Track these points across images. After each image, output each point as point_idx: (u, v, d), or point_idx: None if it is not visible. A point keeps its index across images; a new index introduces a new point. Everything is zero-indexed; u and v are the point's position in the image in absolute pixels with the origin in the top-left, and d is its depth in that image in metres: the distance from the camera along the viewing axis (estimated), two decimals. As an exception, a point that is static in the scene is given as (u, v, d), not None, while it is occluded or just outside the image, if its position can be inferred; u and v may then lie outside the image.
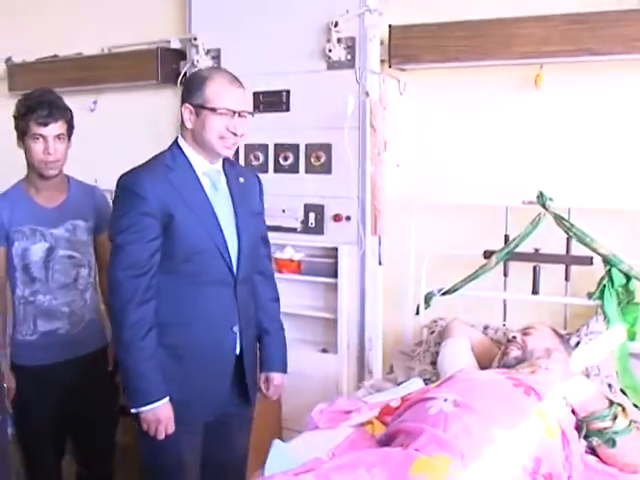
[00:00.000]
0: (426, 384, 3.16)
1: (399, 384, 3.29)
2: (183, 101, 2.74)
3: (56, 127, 3.20)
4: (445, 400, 2.44)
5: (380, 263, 3.79)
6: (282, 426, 3.98)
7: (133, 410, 2.68)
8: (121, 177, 2.70)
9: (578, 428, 2.53)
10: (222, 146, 2.72)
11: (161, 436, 2.70)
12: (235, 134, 2.70)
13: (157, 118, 4.45)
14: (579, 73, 3.48)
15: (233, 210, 2.83)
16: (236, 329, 2.82)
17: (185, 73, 4.19)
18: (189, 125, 2.73)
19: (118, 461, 3.93)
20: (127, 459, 4.10)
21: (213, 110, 2.66)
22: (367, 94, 3.66)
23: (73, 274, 3.36)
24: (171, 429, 2.70)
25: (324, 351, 3.96)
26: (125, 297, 2.63)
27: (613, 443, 2.49)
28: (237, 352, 2.85)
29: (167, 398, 2.67)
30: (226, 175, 2.87)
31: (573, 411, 2.56)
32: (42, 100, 3.20)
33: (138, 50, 4.42)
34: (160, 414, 2.67)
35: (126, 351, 2.65)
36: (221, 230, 2.75)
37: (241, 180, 2.92)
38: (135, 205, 2.63)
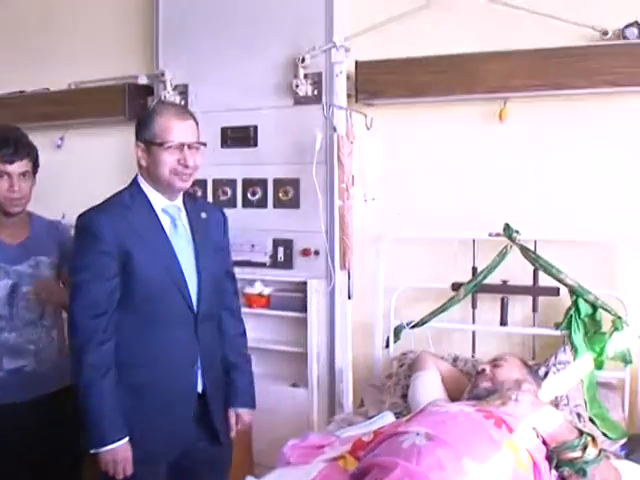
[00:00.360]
0: (397, 417, 3.15)
1: (370, 418, 3.27)
2: (136, 140, 2.77)
3: (22, 165, 3.20)
4: (418, 434, 2.44)
5: (349, 297, 3.80)
6: (254, 462, 3.94)
7: (92, 451, 2.66)
8: (79, 217, 2.72)
9: (549, 458, 2.53)
10: (177, 180, 2.73)
11: (119, 477, 2.68)
12: (187, 166, 2.71)
13: (125, 154, 4.39)
14: (543, 107, 3.56)
15: (193, 247, 2.83)
16: (197, 367, 2.82)
17: (153, 109, 4.19)
18: (143, 163, 2.76)
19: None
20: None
21: (161, 145, 2.68)
22: (335, 129, 3.68)
23: (39, 311, 3.34)
24: (129, 470, 2.68)
25: (294, 385, 3.93)
26: (84, 337, 2.64)
27: (584, 473, 2.50)
28: (199, 390, 2.84)
29: (126, 439, 2.66)
30: (187, 211, 2.87)
31: (544, 442, 2.56)
32: (8, 137, 3.19)
33: (106, 86, 4.41)
34: (117, 455, 2.65)
35: (85, 391, 2.64)
36: (180, 268, 2.76)
37: (203, 215, 2.92)
38: (92, 244, 2.64)
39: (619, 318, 3.30)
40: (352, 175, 3.69)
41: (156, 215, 2.77)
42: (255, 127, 3.95)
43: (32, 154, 3.27)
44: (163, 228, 2.77)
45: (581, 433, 2.58)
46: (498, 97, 3.53)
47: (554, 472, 2.54)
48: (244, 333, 3.13)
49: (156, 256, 2.71)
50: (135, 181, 2.82)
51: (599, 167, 3.48)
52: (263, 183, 3.96)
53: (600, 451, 2.55)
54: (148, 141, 2.71)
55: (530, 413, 2.63)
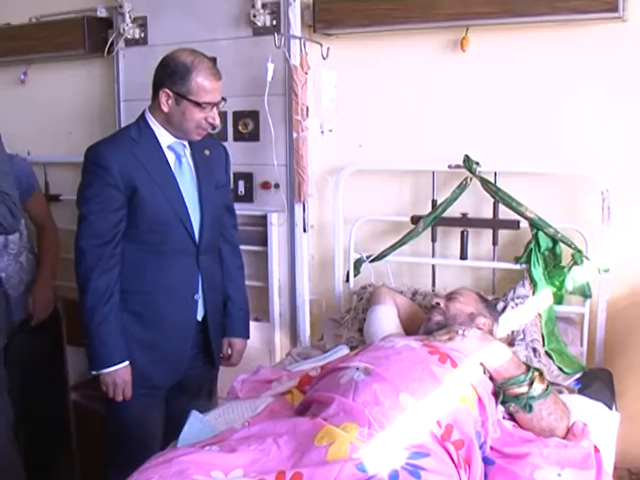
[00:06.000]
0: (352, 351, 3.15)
1: (326, 352, 3.28)
2: (161, 84, 2.82)
3: None
4: (357, 369, 2.44)
5: (305, 230, 3.75)
6: (218, 396, 3.96)
7: (93, 372, 2.85)
8: (87, 150, 2.86)
9: (495, 394, 2.52)
10: (196, 134, 2.90)
11: (118, 398, 2.86)
12: (213, 126, 2.88)
13: (87, 88, 4.38)
14: (506, 35, 3.43)
15: (197, 183, 2.97)
16: (197, 296, 2.98)
17: (112, 42, 4.09)
18: (165, 109, 2.84)
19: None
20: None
21: (197, 104, 2.79)
22: (288, 59, 3.60)
23: (1, 240, 3.43)
24: (128, 392, 2.87)
25: (257, 320, 3.92)
26: (88, 265, 2.80)
27: (530, 408, 2.49)
28: (199, 318, 3.02)
29: (126, 362, 2.85)
30: (191, 148, 3.00)
31: (491, 377, 2.55)
32: None
33: (65, 19, 4.27)
34: (117, 377, 2.84)
35: (88, 316, 2.83)
36: (184, 202, 2.91)
37: (207, 153, 3.06)
38: (98, 177, 2.79)
39: (579, 252, 3.27)
40: (306, 106, 3.61)
41: (162, 151, 2.92)
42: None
43: None
44: (169, 164, 2.92)
45: (528, 368, 2.56)
46: (458, 25, 3.41)
47: (501, 407, 2.53)
48: (242, 266, 3.35)
49: (161, 191, 2.87)
50: (143, 116, 2.93)
51: (561, 98, 3.39)
52: (223, 116, 3.83)
53: (547, 386, 2.54)
54: (180, 94, 2.80)
55: (477, 348, 2.60)
